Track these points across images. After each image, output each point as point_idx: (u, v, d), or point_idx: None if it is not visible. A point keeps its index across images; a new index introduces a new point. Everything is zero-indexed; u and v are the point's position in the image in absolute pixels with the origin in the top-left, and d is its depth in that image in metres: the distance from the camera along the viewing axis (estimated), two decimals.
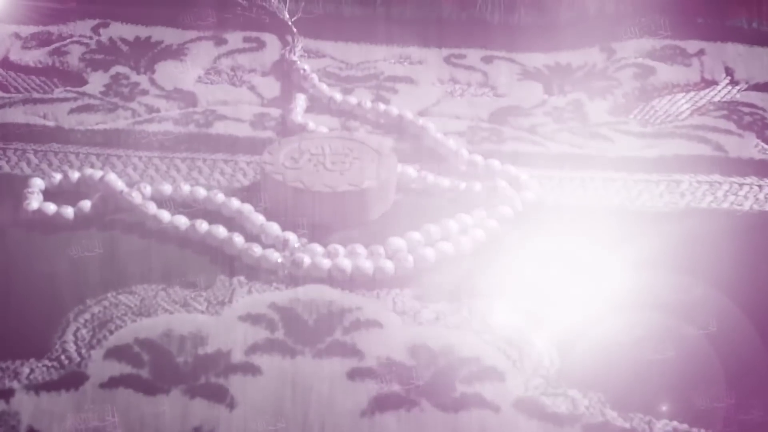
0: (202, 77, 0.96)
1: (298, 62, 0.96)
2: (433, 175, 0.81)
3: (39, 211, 0.76)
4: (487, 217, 0.76)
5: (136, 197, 0.76)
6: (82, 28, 1.03)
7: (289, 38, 1.01)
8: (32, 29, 1.03)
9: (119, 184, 0.77)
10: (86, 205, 0.76)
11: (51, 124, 0.88)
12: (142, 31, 1.03)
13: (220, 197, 0.77)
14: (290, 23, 1.02)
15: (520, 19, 1.07)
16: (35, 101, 0.91)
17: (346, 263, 0.71)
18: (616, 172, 0.83)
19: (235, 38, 1.02)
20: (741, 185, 0.83)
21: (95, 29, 1.03)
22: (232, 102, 0.92)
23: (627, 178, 0.83)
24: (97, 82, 0.95)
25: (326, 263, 0.71)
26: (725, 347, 0.66)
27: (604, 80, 0.96)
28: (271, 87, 0.95)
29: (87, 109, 0.90)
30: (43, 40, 1.01)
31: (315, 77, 0.94)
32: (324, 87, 0.93)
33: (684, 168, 0.84)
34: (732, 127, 0.89)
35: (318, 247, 0.73)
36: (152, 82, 0.95)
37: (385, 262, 0.72)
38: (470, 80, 0.97)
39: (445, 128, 0.88)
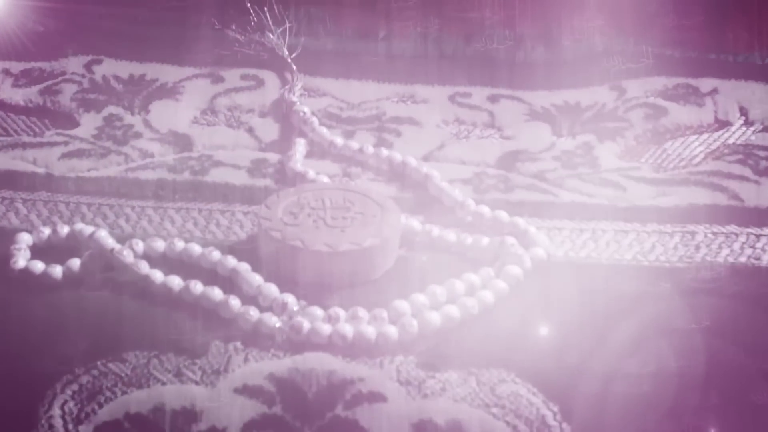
0: (198, 118, 0.93)
1: (298, 103, 0.93)
2: (438, 228, 0.78)
3: (26, 270, 0.73)
4: (495, 277, 0.73)
5: (128, 256, 0.73)
6: (75, 64, 1.00)
7: (289, 76, 0.97)
8: (23, 65, 1.00)
9: (110, 241, 0.74)
10: (75, 263, 0.73)
11: (41, 170, 0.85)
12: (137, 68, 0.99)
13: (216, 255, 0.74)
14: (289, 60, 0.98)
15: (527, 55, 1.03)
16: (25, 145, 0.88)
17: (348, 329, 0.68)
18: (628, 222, 0.80)
19: (232, 76, 0.99)
20: (758, 236, 0.79)
21: (88, 66, 1.00)
22: (230, 146, 0.89)
23: (640, 230, 0.79)
24: (89, 124, 0.91)
25: (326, 329, 0.68)
26: (750, 414, 0.63)
27: (615, 121, 0.93)
28: (269, 129, 0.92)
29: (78, 154, 0.87)
30: (34, 78, 0.98)
31: (315, 121, 0.90)
32: (324, 131, 0.89)
33: (699, 218, 0.81)
34: (748, 173, 0.86)
35: (318, 311, 0.69)
36: (146, 123, 0.91)
37: (388, 328, 0.68)
38: (476, 121, 0.93)
39: (450, 175, 0.85)
